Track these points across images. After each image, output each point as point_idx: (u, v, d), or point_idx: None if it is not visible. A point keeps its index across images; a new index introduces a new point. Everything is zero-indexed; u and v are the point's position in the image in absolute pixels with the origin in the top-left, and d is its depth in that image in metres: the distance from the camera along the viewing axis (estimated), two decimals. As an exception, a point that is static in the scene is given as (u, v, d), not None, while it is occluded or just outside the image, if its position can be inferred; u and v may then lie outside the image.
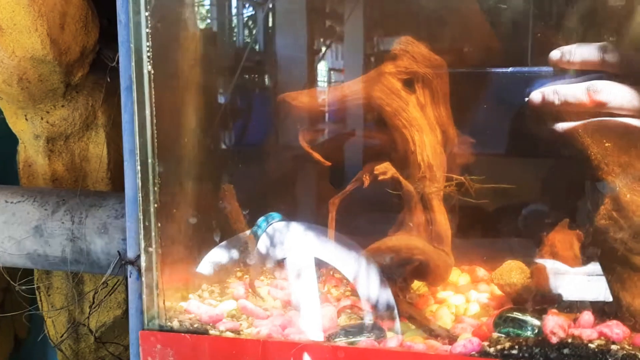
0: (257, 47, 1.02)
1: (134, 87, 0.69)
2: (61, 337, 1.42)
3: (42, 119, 1.39)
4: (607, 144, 0.79)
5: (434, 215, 0.82)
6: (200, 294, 0.85)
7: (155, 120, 0.70)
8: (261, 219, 1.05)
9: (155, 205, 0.73)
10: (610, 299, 0.75)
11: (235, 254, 1.03)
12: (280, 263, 0.98)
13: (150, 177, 0.72)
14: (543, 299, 0.76)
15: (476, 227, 0.96)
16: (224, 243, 1.04)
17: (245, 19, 0.99)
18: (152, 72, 0.70)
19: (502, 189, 0.92)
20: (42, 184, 1.44)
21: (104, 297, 1.32)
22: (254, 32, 1.02)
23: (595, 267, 0.77)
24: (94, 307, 1.32)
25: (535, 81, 0.81)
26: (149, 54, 0.69)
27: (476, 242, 0.97)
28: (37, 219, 1.30)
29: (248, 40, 1.01)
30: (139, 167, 0.71)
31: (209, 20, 0.94)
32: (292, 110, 0.88)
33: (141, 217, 0.71)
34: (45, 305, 1.50)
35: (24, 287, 1.40)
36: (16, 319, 1.54)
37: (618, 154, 0.78)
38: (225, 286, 0.88)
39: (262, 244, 1.06)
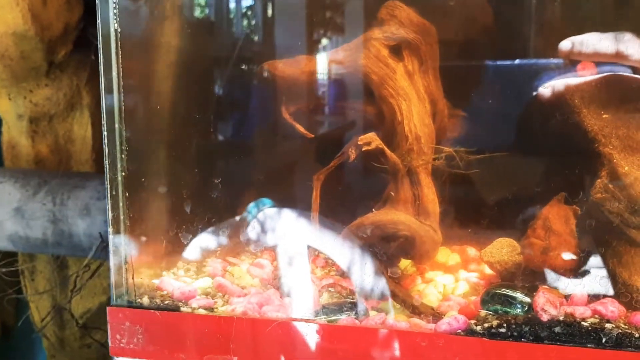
0: (235, 16, 0.98)
1: (100, 46, 0.65)
2: (42, 321, 1.38)
3: (25, 98, 1.36)
4: (605, 116, 0.75)
5: (421, 189, 0.78)
6: (176, 271, 0.81)
7: (122, 82, 0.66)
8: (251, 204, 1.02)
9: (123, 173, 0.69)
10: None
11: (222, 239, 1.00)
12: (264, 245, 0.94)
13: (118, 144, 0.68)
14: (534, 276, 0.72)
15: (467, 205, 0.92)
16: (211, 228, 1.01)
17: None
18: (119, 30, 0.66)
19: (497, 168, 0.88)
20: (25, 165, 1.41)
21: (86, 280, 1.28)
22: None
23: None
24: (75, 291, 1.28)
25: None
26: (115, 11, 0.65)
27: (467, 220, 0.93)
28: (18, 200, 1.26)
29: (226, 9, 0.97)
30: (105, 133, 0.67)
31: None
32: (274, 80, 0.84)
33: (108, 186, 0.67)
34: (29, 289, 1.47)
35: (4, 270, 1.36)
36: (2, 306, 1.51)
37: (616, 125, 0.74)
38: (203, 264, 0.83)
39: (252, 230, 1.02)
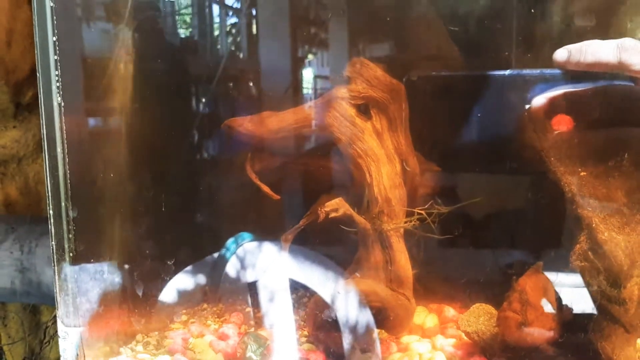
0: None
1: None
2: (14, 373, 1.34)
3: (-8, 141, 1.32)
4: (582, 173, 0.71)
5: (393, 254, 0.74)
6: (134, 346, 0.76)
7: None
8: (230, 240, 0.98)
9: (71, 254, 0.64)
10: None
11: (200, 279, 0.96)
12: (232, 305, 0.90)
13: (65, 224, 0.63)
14: (513, 351, 0.68)
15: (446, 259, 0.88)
16: (188, 268, 0.97)
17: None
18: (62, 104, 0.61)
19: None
20: (-6, 209, 1.37)
21: (57, 331, 1.23)
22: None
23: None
24: (45, 342, 1.24)
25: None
26: (58, 84, 0.61)
27: (446, 275, 0.89)
28: (-15, 249, 1.22)
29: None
30: (50, 212, 0.63)
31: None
32: (238, 137, 0.80)
33: (56, 278, 0.63)
34: (3, 336, 1.43)
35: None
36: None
37: (595, 184, 0.70)
38: (164, 335, 0.79)
39: (232, 268, 0.98)
